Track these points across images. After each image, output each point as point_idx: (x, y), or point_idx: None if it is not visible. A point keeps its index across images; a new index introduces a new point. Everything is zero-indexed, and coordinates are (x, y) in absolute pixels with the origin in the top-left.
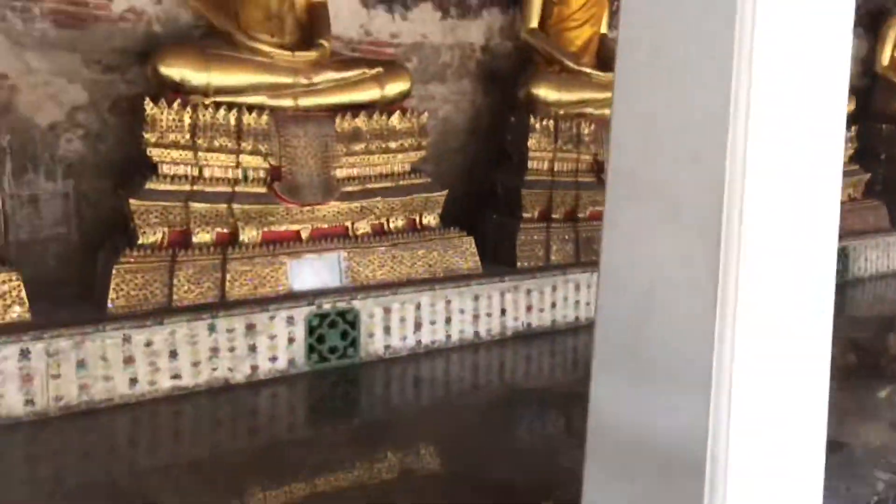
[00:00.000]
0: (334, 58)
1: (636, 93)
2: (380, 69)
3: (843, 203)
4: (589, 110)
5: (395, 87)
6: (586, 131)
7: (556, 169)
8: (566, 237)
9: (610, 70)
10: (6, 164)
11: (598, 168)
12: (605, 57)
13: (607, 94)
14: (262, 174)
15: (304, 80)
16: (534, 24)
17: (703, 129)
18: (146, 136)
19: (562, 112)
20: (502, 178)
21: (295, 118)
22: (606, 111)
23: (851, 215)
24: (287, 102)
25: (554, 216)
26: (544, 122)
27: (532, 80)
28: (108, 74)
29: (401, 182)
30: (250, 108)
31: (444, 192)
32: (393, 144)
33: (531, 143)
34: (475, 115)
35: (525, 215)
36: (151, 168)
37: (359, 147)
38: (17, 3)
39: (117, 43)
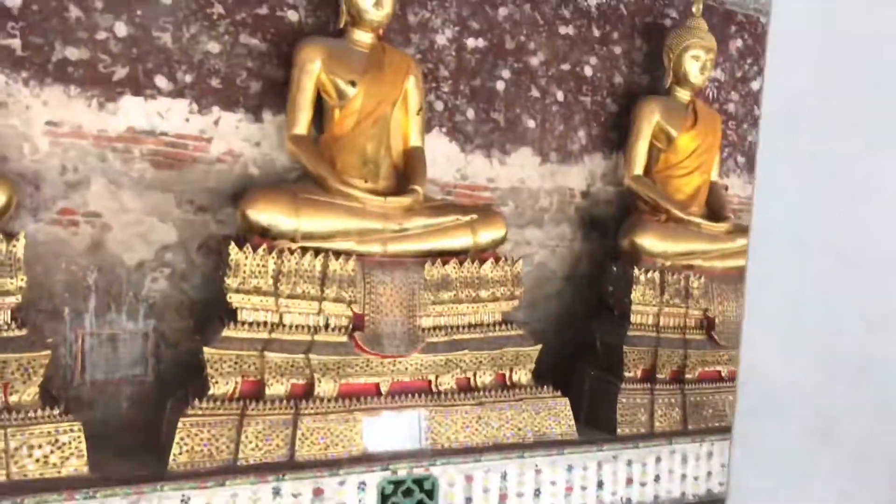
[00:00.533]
0: (427, 203)
1: (774, 284)
2: (473, 216)
3: None
4: (698, 262)
5: (488, 235)
6: (695, 285)
7: (661, 324)
8: (672, 401)
9: (720, 220)
10: (90, 301)
11: (709, 325)
12: (715, 206)
13: (718, 246)
14: (343, 322)
15: (394, 226)
16: (638, 170)
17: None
18: (228, 281)
19: (668, 263)
20: (601, 332)
21: (382, 264)
22: (717, 264)
23: None
24: (375, 248)
25: (659, 376)
26: (649, 274)
27: (636, 228)
28: (199, 214)
29: (490, 333)
30: (337, 253)
31: (538, 347)
32: (484, 293)
33: (635, 295)
34: (573, 262)
35: (627, 374)
36: (230, 313)
37: (447, 296)
38: (119, 144)
39: (212, 183)
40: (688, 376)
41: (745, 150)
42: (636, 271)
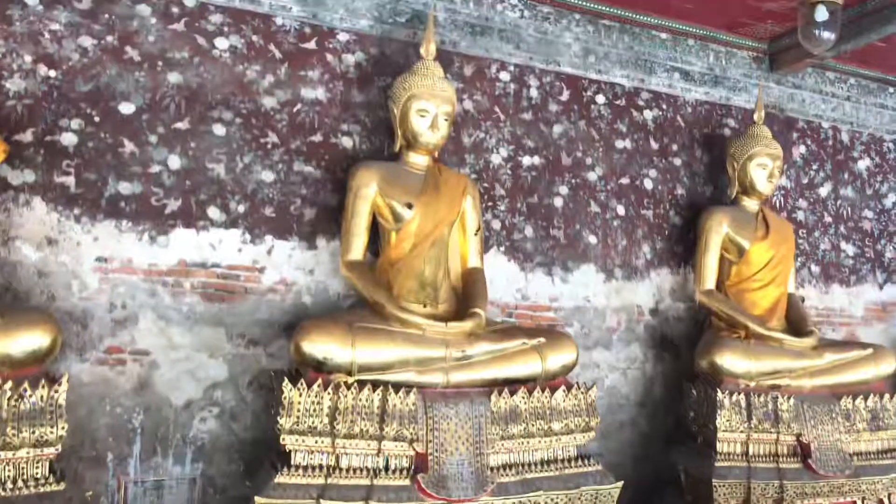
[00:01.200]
0: (490, 327)
1: None
2: (541, 339)
3: None
4: (784, 382)
5: (558, 360)
6: (784, 407)
7: (751, 452)
8: None
9: (803, 335)
10: (135, 445)
11: (804, 451)
12: (795, 319)
13: (805, 363)
14: (405, 463)
15: (457, 353)
16: (710, 284)
17: None
18: (280, 420)
19: (752, 384)
20: (684, 463)
21: (444, 396)
22: (805, 382)
23: None
24: (437, 378)
25: None
26: (734, 397)
27: (715, 347)
28: (250, 348)
29: (566, 470)
30: (396, 386)
31: (619, 485)
32: (556, 426)
33: (720, 421)
34: (646, 386)
35: None
36: (283, 456)
37: (517, 429)
38: (170, 277)
39: (263, 315)
40: None
41: (818, 258)
42: (719, 394)
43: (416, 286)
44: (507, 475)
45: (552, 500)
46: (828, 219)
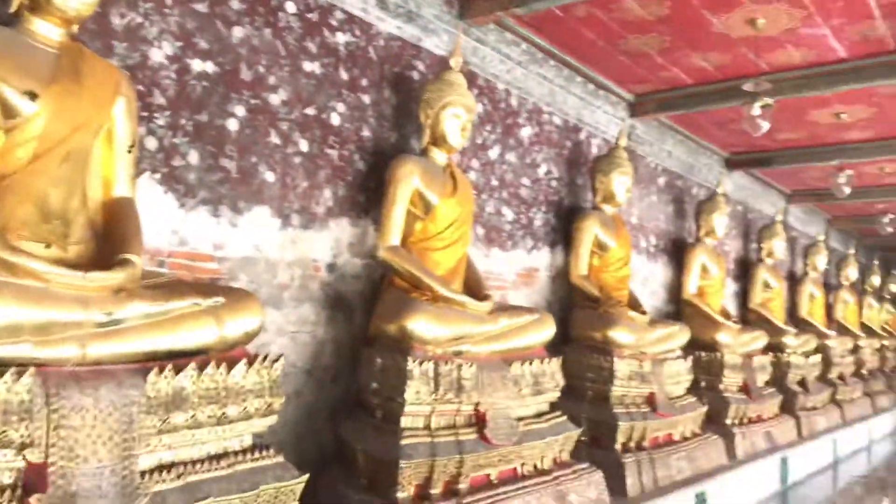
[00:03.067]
0: (145, 280)
1: None
2: (219, 298)
3: (689, 439)
4: (466, 347)
5: (240, 325)
6: (467, 375)
7: (433, 426)
8: None
9: (480, 298)
10: None
11: (480, 421)
12: (472, 283)
13: (484, 328)
14: (8, 479)
15: (99, 316)
16: (395, 241)
17: None
18: None
19: (440, 352)
20: (362, 441)
21: (78, 379)
22: (482, 349)
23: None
24: (67, 352)
25: (433, 492)
26: (423, 366)
27: (406, 310)
28: None
29: (239, 466)
30: (3, 364)
31: (304, 478)
32: (233, 410)
33: (409, 393)
34: (316, 351)
35: (400, 495)
36: None
37: (182, 419)
38: None
39: None
40: (461, 486)
41: (483, 221)
42: (410, 363)
43: (37, 216)
44: (164, 481)
45: None
46: (494, 182)
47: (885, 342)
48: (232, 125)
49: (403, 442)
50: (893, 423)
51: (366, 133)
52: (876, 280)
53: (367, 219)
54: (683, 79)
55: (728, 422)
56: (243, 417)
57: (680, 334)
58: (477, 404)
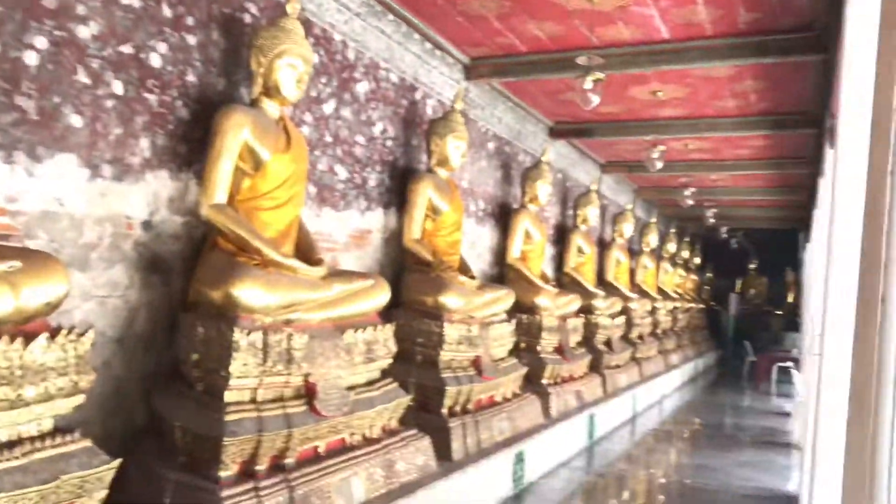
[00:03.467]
0: None
1: None
2: (14, 263)
3: (510, 400)
4: (297, 315)
5: (40, 293)
6: (297, 344)
7: (259, 399)
8: (280, 499)
9: (313, 263)
10: None
11: (310, 392)
12: (304, 246)
13: (316, 295)
14: None
15: None
16: (221, 198)
17: None
18: None
19: (269, 320)
20: (180, 417)
21: None
22: (314, 316)
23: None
24: None
25: (257, 468)
26: (251, 336)
27: (232, 276)
28: None
29: (37, 454)
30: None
31: (115, 464)
32: (31, 392)
33: (235, 366)
34: (128, 318)
35: (223, 474)
36: None
37: None
38: None
39: None
40: (288, 461)
41: (315, 179)
42: (237, 333)
43: None
44: None
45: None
46: (328, 138)
47: (677, 304)
48: (30, 58)
49: (228, 418)
50: (681, 378)
51: (190, 78)
52: (672, 247)
53: (190, 172)
54: (518, 46)
55: (544, 382)
56: (43, 399)
57: (506, 298)
58: (307, 375)
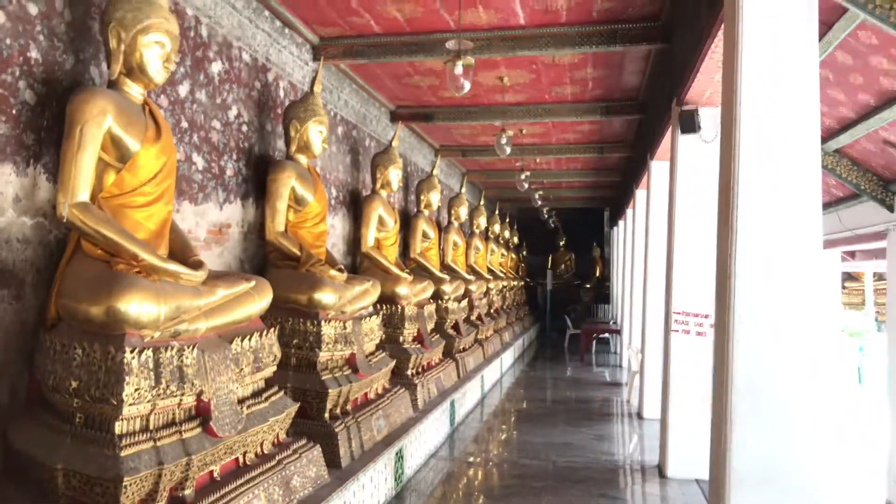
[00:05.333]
0: None
1: None
2: None
3: (382, 396)
4: (184, 326)
5: None
6: (189, 360)
7: (152, 426)
8: None
9: (192, 266)
10: None
11: (202, 412)
12: (178, 247)
13: (202, 301)
14: None
15: None
16: (83, 195)
17: None
18: None
19: (157, 335)
20: (62, 458)
21: None
22: (200, 325)
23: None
24: None
25: None
26: (143, 357)
27: (116, 287)
28: None
29: None
30: None
31: None
32: None
33: (128, 392)
34: None
35: None
36: None
37: None
38: None
39: None
40: (187, 492)
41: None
42: (127, 354)
43: None
44: None
45: None
46: (184, 124)
47: (504, 283)
48: None
49: (124, 453)
50: (513, 355)
51: (34, 54)
52: (497, 228)
53: (39, 166)
54: (373, 27)
55: (409, 373)
56: None
57: (373, 290)
58: (200, 393)
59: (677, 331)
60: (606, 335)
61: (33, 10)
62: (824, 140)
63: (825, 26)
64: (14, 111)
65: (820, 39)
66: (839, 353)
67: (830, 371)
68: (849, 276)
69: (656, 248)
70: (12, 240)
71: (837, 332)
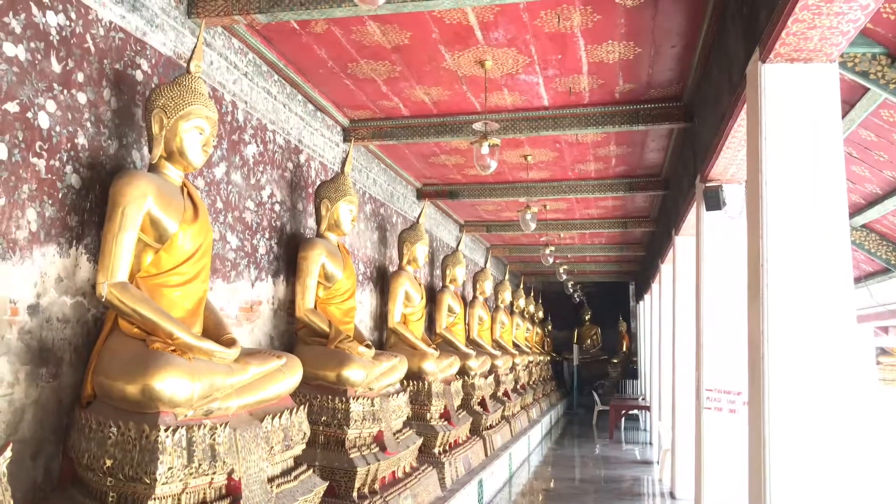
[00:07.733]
0: None
1: None
2: None
3: (409, 475)
4: (216, 405)
5: None
6: (221, 438)
7: None
8: None
9: (226, 344)
10: None
11: (233, 492)
12: (212, 324)
13: (234, 380)
14: None
15: None
16: (123, 276)
17: None
18: None
19: (190, 413)
20: None
21: None
22: (231, 404)
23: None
24: None
25: None
26: (177, 435)
27: (154, 367)
28: None
29: None
30: None
31: None
32: None
33: (161, 471)
34: (13, 420)
35: None
36: None
37: None
38: None
39: None
40: None
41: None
42: (161, 433)
43: None
44: None
45: None
46: (220, 204)
47: (530, 358)
48: None
49: None
50: (541, 431)
51: (81, 140)
52: (522, 302)
53: (80, 247)
54: (401, 110)
55: (436, 451)
56: None
57: (400, 367)
58: (231, 472)
59: (710, 408)
60: (636, 411)
61: (83, 98)
62: (851, 215)
63: (847, 105)
64: (60, 195)
65: (843, 117)
66: (879, 428)
67: (870, 447)
68: (882, 351)
69: (684, 324)
70: (52, 319)
71: (875, 408)
